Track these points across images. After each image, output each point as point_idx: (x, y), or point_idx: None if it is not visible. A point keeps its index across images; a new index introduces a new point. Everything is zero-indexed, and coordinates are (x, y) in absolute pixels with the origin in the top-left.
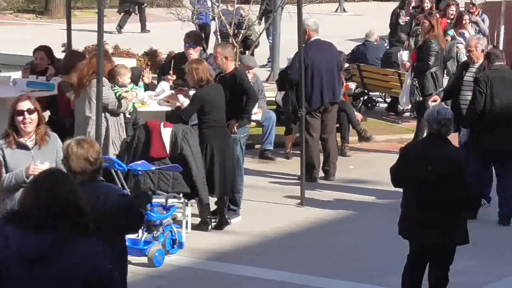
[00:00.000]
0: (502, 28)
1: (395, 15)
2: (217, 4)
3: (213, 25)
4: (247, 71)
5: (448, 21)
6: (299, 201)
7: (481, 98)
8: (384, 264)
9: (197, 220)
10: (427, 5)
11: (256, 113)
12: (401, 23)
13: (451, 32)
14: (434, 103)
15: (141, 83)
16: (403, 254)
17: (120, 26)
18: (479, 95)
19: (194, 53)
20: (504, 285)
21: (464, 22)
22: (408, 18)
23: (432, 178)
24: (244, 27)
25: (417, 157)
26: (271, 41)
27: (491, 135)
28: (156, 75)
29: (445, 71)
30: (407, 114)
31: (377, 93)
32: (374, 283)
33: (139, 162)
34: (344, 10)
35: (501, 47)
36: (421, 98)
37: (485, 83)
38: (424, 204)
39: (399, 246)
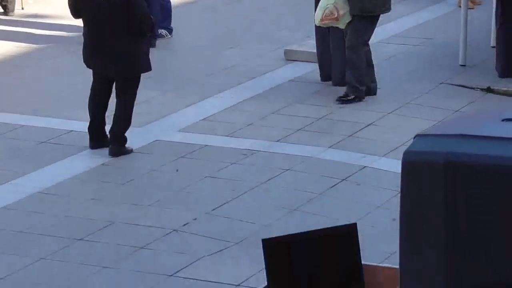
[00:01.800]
0: None
1: None
2: None
3: None
4: None
5: None
6: None
7: None
8: (70, 97)
9: None
10: None
11: None
12: None
13: None
14: None
15: None
16: (87, 85)
17: None
18: None
19: None
20: (184, 114)
21: None
22: None
23: (104, 7)
24: None
25: None
26: None
27: None
28: None
29: None
30: None
31: None
32: (61, 117)
33: None
34: None
35: None
36: None
37: None
38: (99, 33)
39: (83, 78)
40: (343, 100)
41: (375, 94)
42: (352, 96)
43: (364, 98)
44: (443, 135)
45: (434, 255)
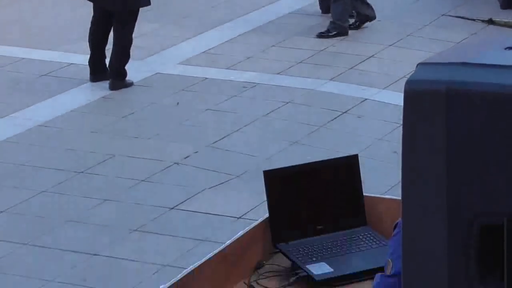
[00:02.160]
0: None
1: None
2: None
3: None
4: None
5: None
6: None
7: None
8: (70, 30)
9: None
10: None
11: None
12: None
13: None
14: None
15: None
16: (88, 18)
17: None
18: None
19: None
20: (184, 47)
21: None
22: None
23: None
24: None
25: None
26: None
27: None
28: None
29: None
30: None
31: None
32: (62, 50)
33: None
34: None
35: None
36: None
37: None
38: None
39: (83, 11)
40: (323, 35)
41: (374, 18)
42: (334, 33)
43: (348, 34)
44: (445, 63)
45: (436, 185)
